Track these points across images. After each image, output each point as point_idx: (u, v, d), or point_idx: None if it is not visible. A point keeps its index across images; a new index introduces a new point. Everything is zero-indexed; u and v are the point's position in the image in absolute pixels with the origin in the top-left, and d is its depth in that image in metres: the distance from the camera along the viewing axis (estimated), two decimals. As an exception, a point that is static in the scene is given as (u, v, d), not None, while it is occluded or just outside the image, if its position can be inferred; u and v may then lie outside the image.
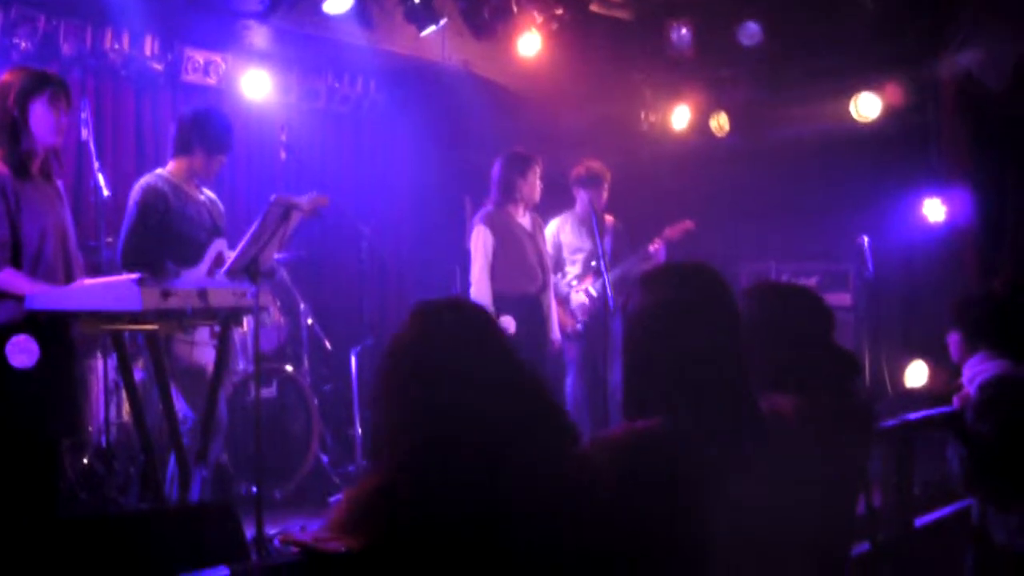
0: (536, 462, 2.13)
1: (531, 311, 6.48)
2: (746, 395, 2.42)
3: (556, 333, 6.83)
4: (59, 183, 4.57)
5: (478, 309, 2.32)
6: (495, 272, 6.53)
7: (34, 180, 4.40)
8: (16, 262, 4.26)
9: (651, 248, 7.24)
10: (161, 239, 5.09)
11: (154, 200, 5.12)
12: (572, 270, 7.28)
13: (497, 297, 6.46)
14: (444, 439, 2.10)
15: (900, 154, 8.18)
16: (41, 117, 4.35)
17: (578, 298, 7.17)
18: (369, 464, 2.23)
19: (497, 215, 6.62)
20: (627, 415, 2.42)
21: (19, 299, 4.16)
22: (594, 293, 7.09)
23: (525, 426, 2.15)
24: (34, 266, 4.31)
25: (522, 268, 6.61)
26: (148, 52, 7.13)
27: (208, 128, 5.29)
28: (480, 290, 6.48)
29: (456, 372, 2.15)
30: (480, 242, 6.55)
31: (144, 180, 5.22)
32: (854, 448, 2.92)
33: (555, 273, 7.15)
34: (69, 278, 4.44)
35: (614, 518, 2.17)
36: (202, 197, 5.37)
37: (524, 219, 6.72)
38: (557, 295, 7.10)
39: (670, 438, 2.29)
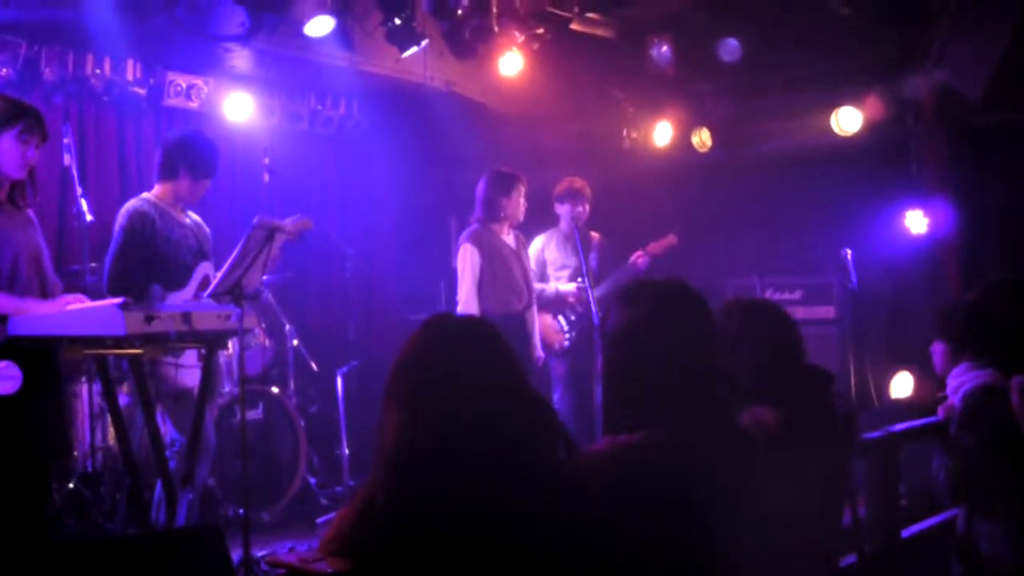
0: (530, 477, 2.14)
1: (516, 329, 6.48)
2: (725, 408, 2.44)
3: (540, 350, 6.84)
4: (30, 211, 4.55)
5: (488, 325, 2.34)
6: (482, 290, 6.53)
7: (3, 207, 4.38)
8: None
9: (634, 263, 7.27)
10: (147, 263, 5.09)
11: (140, 224, 5.12)
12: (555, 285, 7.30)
13: (484, 316, 6.45)
14: (440, 450, 2.11)
15: (881, 167, 8.23)
16: (8, 150, 4.30)
17: (568, 287, 7.16)
18: (367, 475, 2.23)
19: (483, 233, 6.63)
20: (607, 431, 2.44)
21: (2, 324, 4.14)
22: (578, 307, 7.12)
23: (522, 439, 2.17)
24: (9, 289, 4.29)
25: (509, 286, 6.61)
26: (130, 77, 7.14)
27: (194, 153, 5.30)
28: (468, 309, 6.48)
29: (460, 385, 2.17)
30: (468, 260, 6.56)
31: (130, 204, 5.22)
32: (837, 458, 2.94)
33: (540, 283, 7.15)
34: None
35: (603, 533, 2.18)
36: (188, 221, 5.37)
37: (508, 237, 6.73)
38: (546, 300, 7.10)
39: (655, 453, 2.30)
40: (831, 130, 8.15)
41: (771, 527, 2.42)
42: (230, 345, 5.53)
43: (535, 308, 6.83)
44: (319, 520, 6.62)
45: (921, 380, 7.26)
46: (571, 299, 7.16)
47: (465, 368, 2.21)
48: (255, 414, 6.67)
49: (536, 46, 7.72)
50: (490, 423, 2.14)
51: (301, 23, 6.63)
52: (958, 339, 4.47)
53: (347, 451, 7.19)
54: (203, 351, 4.94)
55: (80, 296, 4.51)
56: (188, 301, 5.03)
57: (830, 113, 8.13)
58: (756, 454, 2.47)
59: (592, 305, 6.49)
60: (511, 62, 7.64)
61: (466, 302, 6.53)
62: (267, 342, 7.14)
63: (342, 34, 6.92)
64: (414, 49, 7.14)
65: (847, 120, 8.09)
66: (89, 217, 5.52)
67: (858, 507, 3.52)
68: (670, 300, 2.49)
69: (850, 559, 3.55)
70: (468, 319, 2.43)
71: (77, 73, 6.89)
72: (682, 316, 2.45)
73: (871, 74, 8.04)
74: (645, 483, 2.28)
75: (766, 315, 3.01)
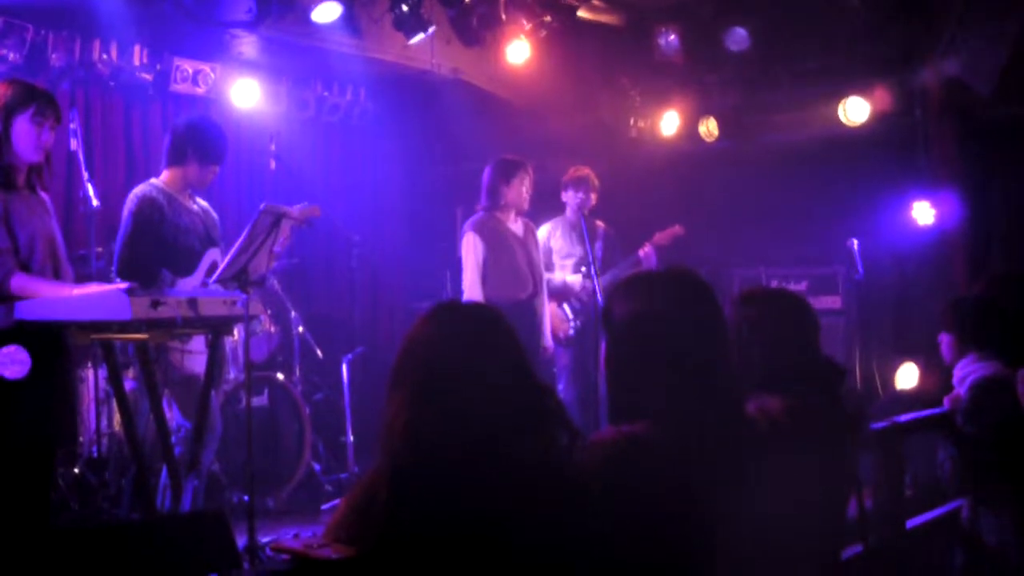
0: (534, 465, 2.14)
1: (522, 318, 6.47)
2: (733, 397, 2.43)
3: (548, 340, 6.82)
4: (45, 196, 4.56)
5: (493, 312, 2.34)
6: (486, 279, 6.52)
7: (20, 191, 4.39)
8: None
9: (641, 253, 7.26)
10: (156, 249, 5.09)
11: (149, 210, 5.12)
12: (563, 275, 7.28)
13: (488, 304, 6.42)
14: (445, 437, 2.11)
15: (889, 158, 8.20)
16: (23, 134, 4.32)
17: (575, 279, 7.15)
18: (372, 462, 2.23)
19: (487, 221, 6.61)
20: (612, 421, 2.43)
21: (9, 306, 4.15)
22: (584, 298, 7.10)
23: (527, 428, 2.17)
24: (24, 272, 4.31)
25: (513, 275, 6.59)
26: (137, 62, 7.14)
27: (202, 138, 5.30)
28: (472, 297, 6.47)
29: (465, 372, 2.17)
30: (471, 249, 6.55)
31: (139, 190, 5.22)
32: (844, 448, 2.93)
33: (548, 273, 7.14)
34: None
35: (604, 522, 2.18)
36: (196, 207, 5.37)
37: (516, 225, 6.71)
38: (553, 289, 7.07)
39: (658, 442, 2.30)
40: (839, 121, 8.12)
41: (775, 517, 2.42)
42: (235, 331, 5.53)
43: (545, 297, 6.81)
44: (324, 507, 6.63)
45: (927, 371, 7.25)
46: (577, 288, 7.15)
47: (471, 356, 2.21)
48: (260, 401, 6.68)
49: (543, 34, 7.72)
50: (495, 411, 2.14)
51: (308, 9, 6.63)
52: (965, 331, 4.47)
53: (352, 438, 7.19)
54: (210, 337, 4.94)
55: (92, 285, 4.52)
56: (196, 287, 5.03)
57: (838, 104, 8.10)
58: (761, 444, 2.46)
59: (598, 294, 6.47)
60: (518, 50, 7.63)
61: (470, 290, 6.52)
62: (272, 329, 7.14)
63: (349, 21, 6.91)
64: (421, 36, 7.13)
65: (855, 111, 8.06)
66: (95, 202, 5.51)
67: (864, 498, 3.52)
68: (676, 290, 2.48)
69: (855, 549, 3.55)
70: (474, 306, 2.43)
71: (84, 58, 6.89)
72: (688, 306, 2.44)
73: (879, 65, 8.01)
74: (647, 471, 2.27)
75: (787, 304, 2.99)
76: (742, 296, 3.01)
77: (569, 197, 7.26)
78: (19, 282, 4.24)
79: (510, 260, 6.59)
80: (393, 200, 9.12)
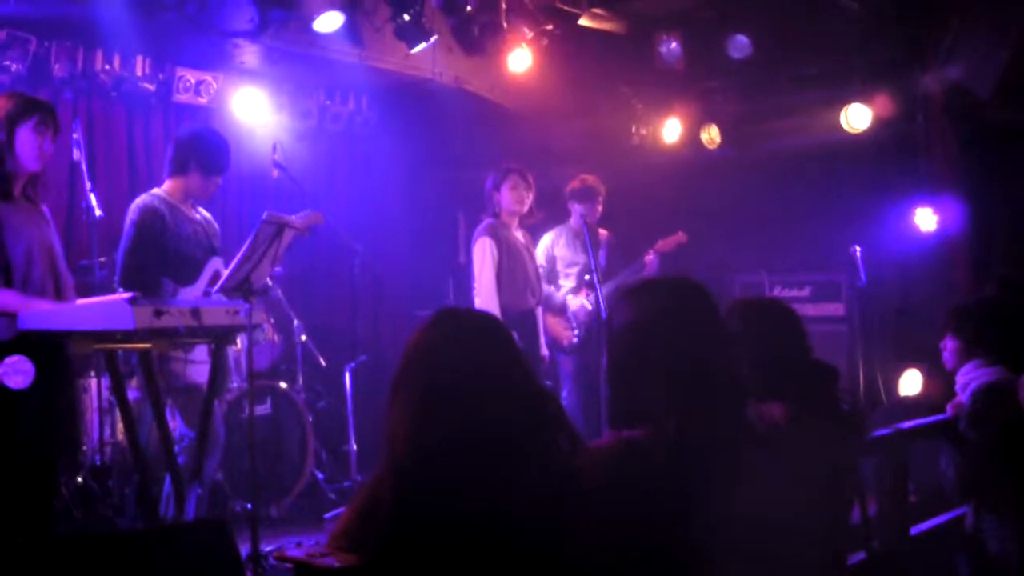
0: (535, 471, 2.14)
1: (528, 325, 6.49)
2: (734, 404, 2.44)
3: (545, 349, 6.85)
4: (44, 207, 4.57)
5: (493, 319, 2.35)
6: (499, 284, 6.51)
7: (17, 202, 4.40)
8: (6, 283, 4.26)
9: (644, 260, 7.27)
10: (158, 258, 5.10)
11: (151, 220, 5.12)
12: (566, 284, 7.29)
13: (502, 310, 6.41)
14: (447, 444, 2.11)
15: (891, 164, 8.21)
16: (26, 143, 4.37)
17: (576, 302, 7.16)
18: (375, 470, 2.24)
19: (498, 227, 6.63)
20: (612, 427, 2.44)
21: (11, 318, 4.15)
22: (588, 306, 7.10)
23: (528, 434, 2.17)
24: (23, 287, 4.31)
25: (524, 282, 6.61)
26: (139, 72, 7.15)
27: (205, 149, 5.31)
28: (488, 302, 6.44)
29: (467, 379, 2.17)
30: (487, 254, 6.53)
31: (141, 200, 5.23)
32: (844, 453, 2.93)
33: (550, 286, 7.16)
34: (59, 298, 4.44)
35: (604, 527, 2.18)
36: (197, 216, 5.38)
37: (518, 233, 6.74)
38: (553, 306, 7.10)
39: (657, 448, 2.30)
40: (840, 127, 8.13)
41: (777, 523, 2.41)
42: (239, 340, 5.53)
43: (541, 306, 6.83)
44: (327, 515, 6.63)
45: (930, 377, 7.24)
46: (574, 309, 7.15)
47: (473, 363, 2.21)
48: (263, 409, 6.68)
49: (545, 42, 7.72)
50: (497, 419, 2.15)
51: (310, 19, 6.63)
52: (969, 337, 4.46)
53: (355, 446, 7.19)
54: (213, 346, 4.95)
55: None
56: (198, 297, 5.04)
57: (839, 110, 8.11)
58: (761, 448, 2.46)
59: (600, 302, 6.48)
60: (520, 58, 7.64)
61: (487, 296, 6.48)
62: (275, 337, 7.15)
63: (351, 30, 6.92)
64: (423, 45, 7.14)
65: (856, 117, 8.07)
66: (98, 212, 5.53)
67: (867, 504, 3.52)
68: (676, 298, 2.48)
69: (859, 556, 3.55)
70: (475, 313, 2.43)
71: (87, 69, 6.90)
72: (687, 314, 2.45)
73: (881, 71, 8.03)
74: (645, 477, 2.27)
75: (770, 313, 3.00)
76: (727, 310, 3.01)
77: (576, 207, 7.25)
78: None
79: (520, 267, 6.62)
80: (395, 208, 9.12)
